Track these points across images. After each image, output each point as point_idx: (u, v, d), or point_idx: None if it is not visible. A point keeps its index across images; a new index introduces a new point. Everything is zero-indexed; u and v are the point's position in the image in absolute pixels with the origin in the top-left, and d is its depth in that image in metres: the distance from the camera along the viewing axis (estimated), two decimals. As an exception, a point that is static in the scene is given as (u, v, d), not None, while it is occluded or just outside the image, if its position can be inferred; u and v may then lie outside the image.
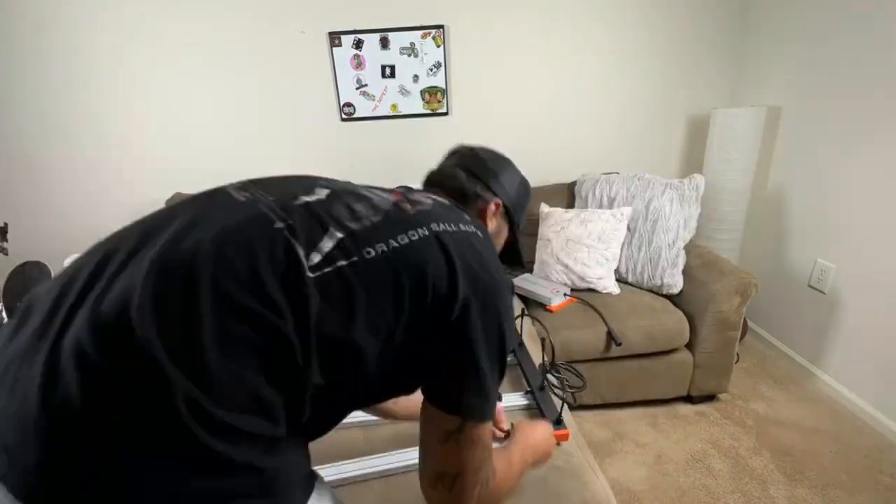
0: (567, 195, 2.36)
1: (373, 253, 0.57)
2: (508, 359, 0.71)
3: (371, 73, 2.41)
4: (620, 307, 1.86)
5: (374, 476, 0.99)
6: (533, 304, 1.96)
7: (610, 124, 2.56)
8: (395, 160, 2.60)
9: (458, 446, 0.63)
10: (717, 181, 2.26)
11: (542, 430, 0.94)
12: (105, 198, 2.62)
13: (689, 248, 2.01)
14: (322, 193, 0.63)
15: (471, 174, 0.85)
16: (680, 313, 1.85)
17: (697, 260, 1.93)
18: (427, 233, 0.62)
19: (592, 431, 1.87)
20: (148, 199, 2.62)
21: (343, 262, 0.56)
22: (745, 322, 2.24)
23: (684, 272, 1.94)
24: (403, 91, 2.45)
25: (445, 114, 2.51)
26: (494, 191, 0.86)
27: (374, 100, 2.46)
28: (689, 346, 1.89)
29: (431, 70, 2.41)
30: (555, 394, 1.28)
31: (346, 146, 2.57)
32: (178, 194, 2.48)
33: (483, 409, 0.64)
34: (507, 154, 2.72)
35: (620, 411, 1.97)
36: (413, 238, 0.60)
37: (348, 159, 2.60)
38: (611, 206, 2.10)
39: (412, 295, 0.58)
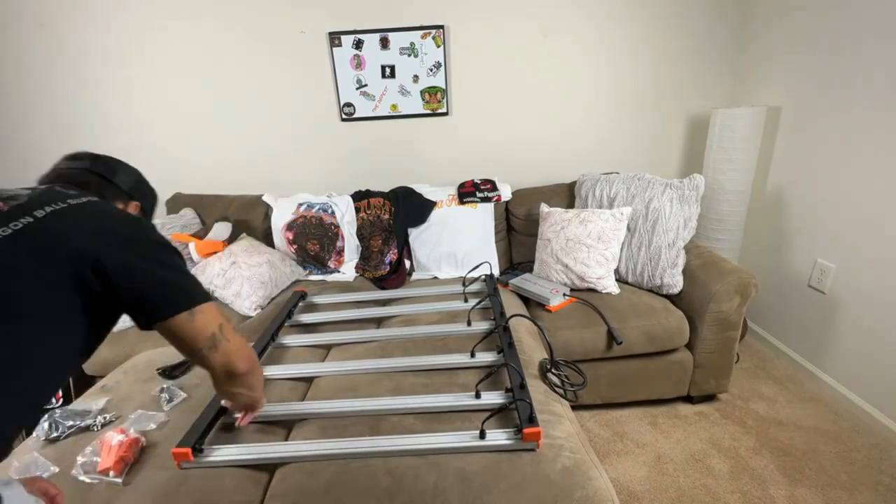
0: (567, 195, 2.36)
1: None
2: None
3: (371, 73, 2.41)
4: (620, 307, 1.86)
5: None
6: (533, 304, 1.96)
7: (610, 124, 2.57)
8: (395, 160, 2.60)
9: (223, 327, 0.85)
10: (717, 181, 2.26)
11: None
12: (105, 198, 2.62)
13: (689, 248, 2.01)
14: None
15: (104, 179, 0.91)
16: (680, 313, 1.85)
17: (697, 260, 1.93)
18: (58, 207, 0.71)
19: (592, 431, 1.87)
20: (148, 198, 2.62)
21: None
22: (745, 322, 2.24)
23: (684, 272, 1.94)
24: (403, 91, 2.45)
25: (445, 114, 2.51)
26: (132, 195, 0.96)
27: (374, 100, 2.47)
28: (689, 346, 1.89)
29: (431, 70, 2.41)
30: (555, 391, 1.28)
31: (346, 146, 2.57)
32: (178, 194, 2.48)
33: (199, 290, 0.83)
34: (509, 153, 2.74)
35: (620, 411, 1.97)
36: (48, 210, 0.70)
37: (348, 159, 2.60)
38: (611, 206, 2.10)
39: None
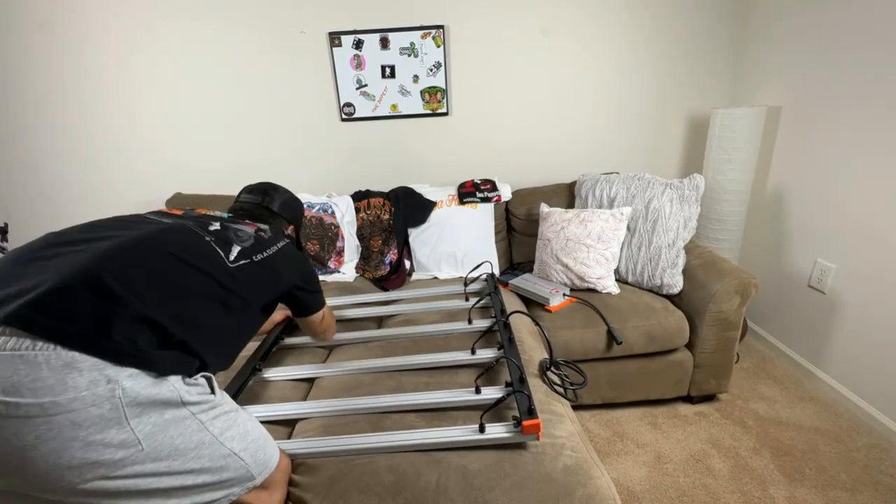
0: (567, 195, 2.37)
1: (259, 258, 1.07)
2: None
3: (371, 73, 2.41)
4: (620, 307, 1.86)
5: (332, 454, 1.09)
6: (533, 305, 1.96)
7: (610, 124, 2.57)
8: (395, 160, 2.60)
9: (326, 319, 1.42)
10: (717, 181, 2.27)
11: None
12: (105, 199, 2.62)
13: (689, 248, 2.01)
14: (217, 225, 1.06)
15: (272, 212, 1.36)
16: (680, 313, 1.85)
17: (697, 260, 1.93)
18: (276, 248, 1.14)
19: (592, 431, 1.87)
20: (148, 199, 2.62)
21: (245, 261, 1.03)
22: (745, 322, 2.25)
23: (684, 272, 1.94)
24: (403, 91, 2.45)
25: (445, 114, 2.51)
26: (293, 223, 1.44)
27: (374, 100, 2.47)
28: (689, 346, 1.89)
29: (431, 70, 2.41)
30: (555, 391, 1.28)
31: (346, 146, 2.57)
32: (178, 195, 2.48)
33: (322, 302, 1.35)
34: (509, 153, 2.77)
35: (620, 411, 1.97)
36: (272, 251, 1.12)
37: (348, 159, 2.60)
38: (611, 206, 2.10)
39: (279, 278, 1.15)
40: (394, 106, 2.48)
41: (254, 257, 1.05)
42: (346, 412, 1.21)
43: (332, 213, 2.30)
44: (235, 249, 1.03)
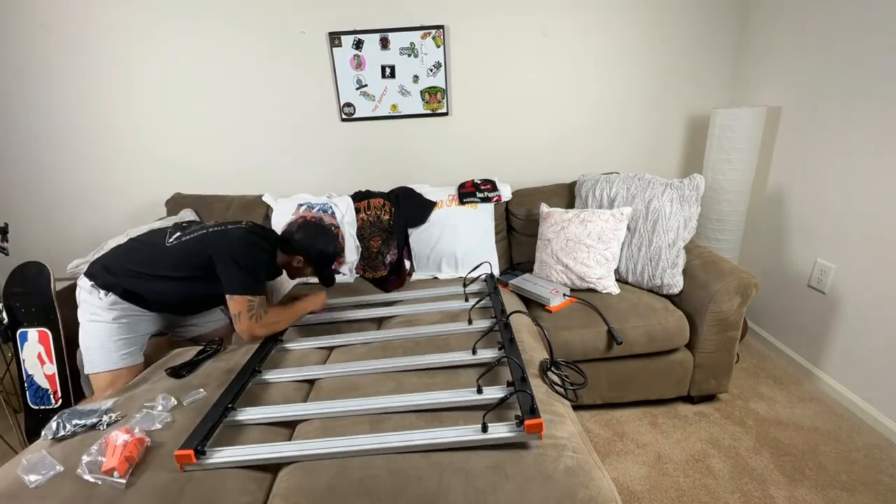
0: (567, 195, 2.37)
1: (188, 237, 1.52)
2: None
3: (371, 73, 2.41)
4: (620, 307, 1.86)
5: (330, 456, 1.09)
6: (533, 305, 1.96)
7: (610, 124, 2.57)
8: (395, 160, 2.60)
9: (243, 319, 1.49)
10: (717, 181, 2.27)
11: (308, 298, 1.77)
12: (105, 199, 2.62)
13: (690, 248, 2.01)
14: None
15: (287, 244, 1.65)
16: (680, 313, 1.85)
17: (697, 260, 1.94)
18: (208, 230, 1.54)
19: (592, 431, 1.87)
20: (149, 199, 2.62)
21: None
22: (745, 322, 2.25)
23: (684, 272, 1.94)
24: (403, 91, 2.45)
25: (445, 114, 2.51)
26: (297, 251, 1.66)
27: (374, 100, 2.47)
28: (689, 346, 1.89)
29: (431, 70, 2.41)
30: (555, 391, 1.28)
31: (346, 146, 2.57)
32: (177, 194, 2.48)
33: (237, 287, 1.48)
34: (509, 153, 2.77)
35: (620, 411, 1.97)
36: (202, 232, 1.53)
37: (348, 159, 2.60)
38: (611, 206, 2.10)
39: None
40: (394, 106, 2.48)
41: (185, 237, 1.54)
42: (346, 413, 1.21)
43: (332, 213, 2.30)
44: (175, 235, 1.56)
